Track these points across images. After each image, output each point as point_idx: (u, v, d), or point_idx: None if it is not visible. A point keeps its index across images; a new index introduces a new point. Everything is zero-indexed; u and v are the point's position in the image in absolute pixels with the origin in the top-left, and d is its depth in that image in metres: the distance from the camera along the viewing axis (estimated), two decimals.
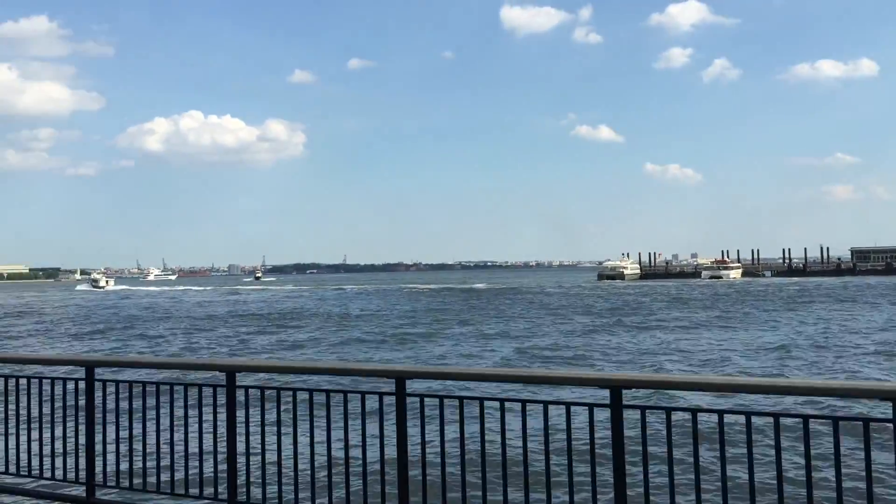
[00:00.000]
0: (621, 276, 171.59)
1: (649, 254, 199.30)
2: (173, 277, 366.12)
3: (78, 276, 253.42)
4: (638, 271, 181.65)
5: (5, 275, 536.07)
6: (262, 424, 5.94)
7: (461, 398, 5.43)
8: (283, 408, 5.89)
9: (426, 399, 5.51)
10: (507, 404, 5.30)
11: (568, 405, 5.12)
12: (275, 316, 76.10)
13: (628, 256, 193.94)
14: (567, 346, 39.35)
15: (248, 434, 6.00)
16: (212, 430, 6.10)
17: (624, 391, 4.87)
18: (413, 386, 5.60)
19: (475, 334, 48.37)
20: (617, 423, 4.83)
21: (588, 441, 5.02)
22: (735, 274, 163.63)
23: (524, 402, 5.23)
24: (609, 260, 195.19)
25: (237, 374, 6.10)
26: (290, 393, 5.90)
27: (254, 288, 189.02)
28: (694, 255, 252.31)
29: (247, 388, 6.07)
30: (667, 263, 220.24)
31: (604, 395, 4.95)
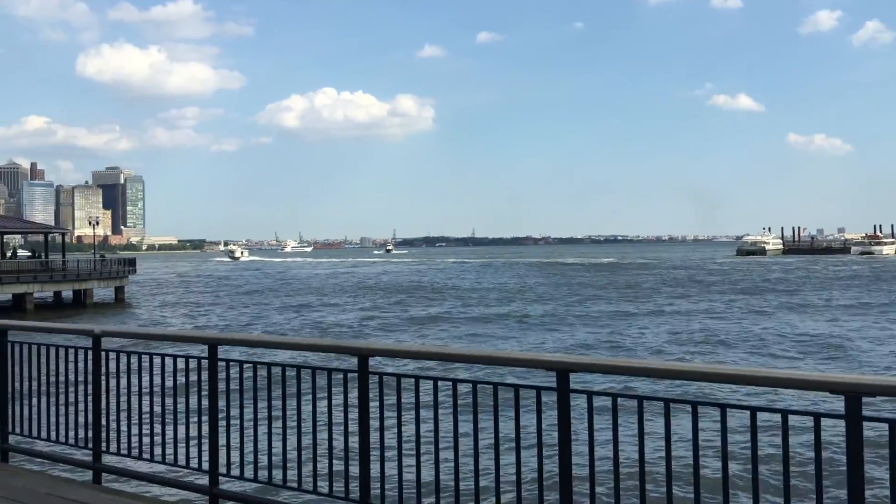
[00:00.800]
0: (762, 252, 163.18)
1: (792, 228, 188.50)
2: (309, 249, 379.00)
3: (221, 248, 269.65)
4: (780, 246, 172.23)
5: (157, 246, 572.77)
6: (399, 417, 5.14)
7: (640, 398, 4.42)
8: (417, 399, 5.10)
9: (594, 397, 4.54)
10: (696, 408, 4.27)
11: (784, 413, 4.03)
12: (406, 289, 76.83)
13: (769, 231, 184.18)
14: (728, 330, 36.23)
15: (382, 427, 5.22)
16: (342, 420, 5.37)
17: (864, 398, 3.73)
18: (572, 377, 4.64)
19: (621, 314, 45.49)
20: (855, 437, 3.71)
21: (804, 455, 3.93)
22: (889, 250, 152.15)
23: (724, 407, 4.17)
24: (748, 235, 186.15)
25: (370, 359, 5.32)
26: (430, 382, 5.07)
27: (383, 260, 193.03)
28: (841, 230, 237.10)
29: (381, 374, 5.29)
30: (812, 239, 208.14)
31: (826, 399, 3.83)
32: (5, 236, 75.01)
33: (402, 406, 5.15)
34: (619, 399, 4.43)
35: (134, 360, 6.37)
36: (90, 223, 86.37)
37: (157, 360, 6.26)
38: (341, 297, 67.84)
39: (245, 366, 5.85)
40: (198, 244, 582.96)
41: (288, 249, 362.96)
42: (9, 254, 70.60)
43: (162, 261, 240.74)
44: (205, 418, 5.96)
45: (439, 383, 5.05)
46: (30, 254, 74.57)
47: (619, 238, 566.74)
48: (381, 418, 5.21)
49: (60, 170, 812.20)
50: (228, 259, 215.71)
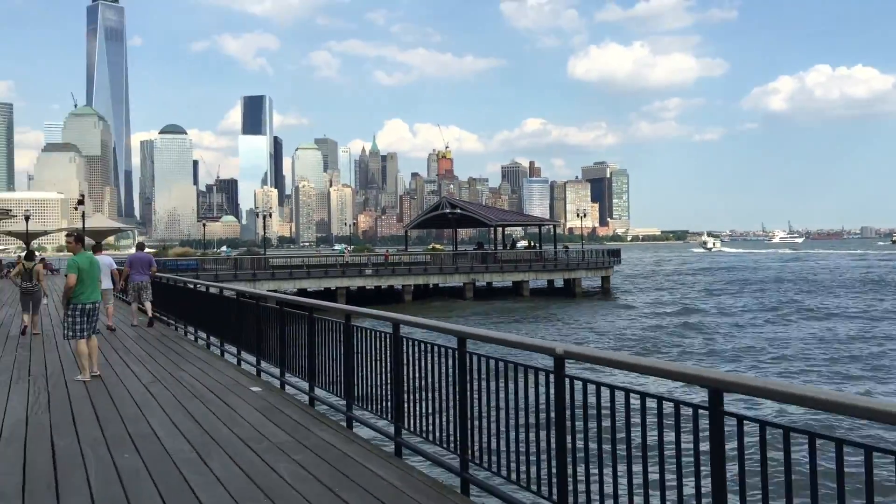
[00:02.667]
0: None
1: None
2: (800, 240, 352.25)
3: (704, 238, 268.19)
4: None
5: (640, 237, 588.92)
6: None
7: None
8: None
9: None
10: None
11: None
12: None
13: None
14: None
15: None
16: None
17: None
18: None
19: None
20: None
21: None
22: None
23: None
24: None
25: None
26: None
27: (888, 253, 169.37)
28: None
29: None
30: None
31: None
32: (507, 228, 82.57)
33: None
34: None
35: (605, 392, 4.77)
36: (578, 215, 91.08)
37: (623, 397, 4.57)
38: (829, 297, 60.20)
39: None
40: (680, 235, 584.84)
41: (775, 240, 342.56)
42: (509, 245, 77.46)
43: (643, 251, 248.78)
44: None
45: None
46: (526, 244, 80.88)
47: None
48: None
49: (554, 166, 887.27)
50: (702, 250, 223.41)
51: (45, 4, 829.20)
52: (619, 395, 4.63)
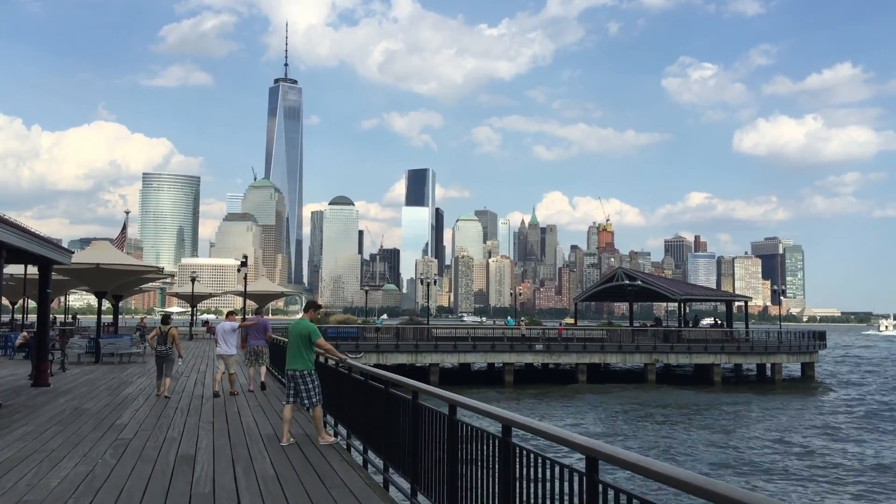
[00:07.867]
0: None
1: None
2: None
3: (891, 321, 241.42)
4: None
5: (818, 318, 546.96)
6: None
7: None
8: None
9: None
10: None
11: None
12: None
13: None
14: None
15: None
16: None
17: None
18: None
19: None
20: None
21: None
22: None
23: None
24: None
25: None
26: None
27: None
28: None
29: None
30: None
31: None
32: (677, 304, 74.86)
33: None
34: None
35: None
36: (776, 292, 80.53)
37: None
38: None
39: None
40: (863, 317, 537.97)
41: None
42: (691, 321, 69.87)
43: (841, 335, 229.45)
44: None
45: None
46: (712, 321, 72.68)
47: None
48: None
49: (720, 242, 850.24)
50: (877, 332, 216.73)
51: (233, 86, 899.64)
52: None
